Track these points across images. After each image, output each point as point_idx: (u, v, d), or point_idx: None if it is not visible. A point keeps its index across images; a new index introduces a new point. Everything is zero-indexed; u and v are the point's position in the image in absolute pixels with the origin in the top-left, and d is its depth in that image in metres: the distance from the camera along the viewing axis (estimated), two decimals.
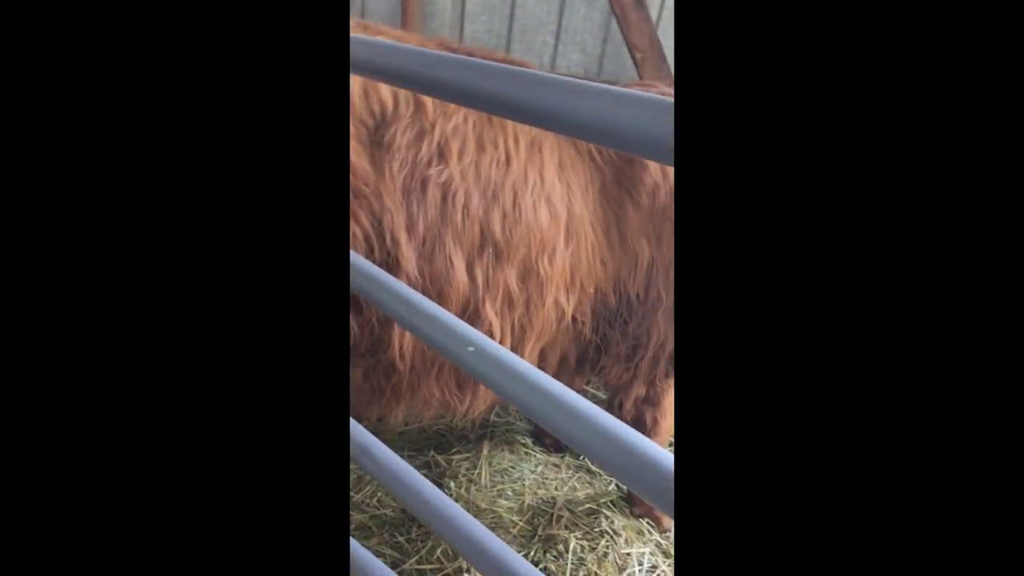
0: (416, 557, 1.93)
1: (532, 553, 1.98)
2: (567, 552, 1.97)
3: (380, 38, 0.97)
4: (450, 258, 1.28)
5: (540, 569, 1.95)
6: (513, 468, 2.31)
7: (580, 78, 1.53)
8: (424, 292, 1.29)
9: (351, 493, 2.14)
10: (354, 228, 1.20)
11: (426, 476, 2.25)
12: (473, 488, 2.21)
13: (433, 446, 2.37)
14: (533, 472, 2.31)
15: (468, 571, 1.88)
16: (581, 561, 1.95)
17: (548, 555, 1.97)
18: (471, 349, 0.72)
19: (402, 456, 2.35)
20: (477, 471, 2.27)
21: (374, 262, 1.25)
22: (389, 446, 2.46)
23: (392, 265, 1.25)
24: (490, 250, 1.32)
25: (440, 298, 1.30)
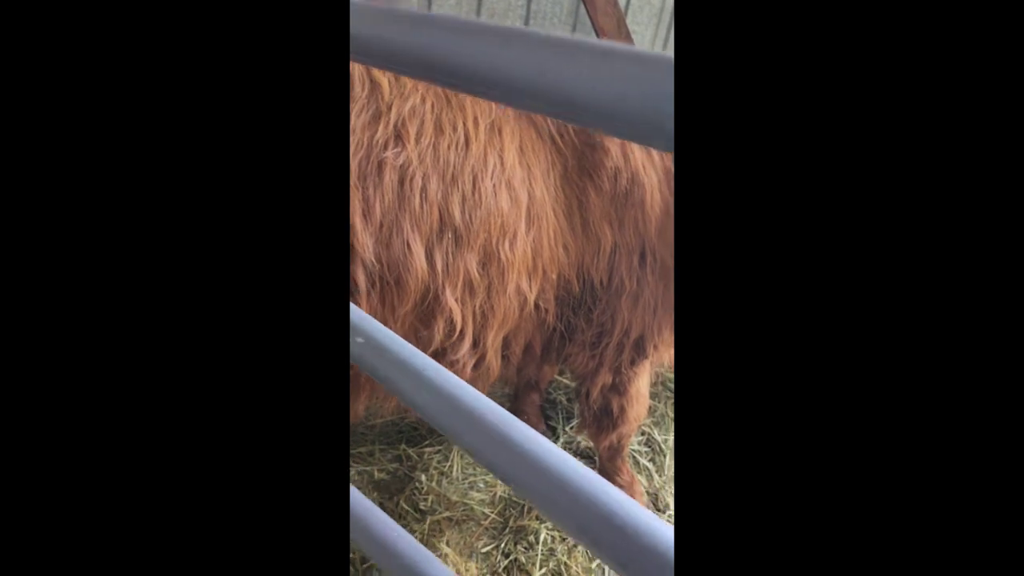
0: None
1: (503, 544, 1.96)
2: (537, 543, 1.96)
3: None
4: (408, 244, 1.24)
5: (511, 561, 1.94)
6: None
7: None
8: (381, 279, 1.25)
9: None
10: None
11: (397, 470, 2.23)
12: (445, 481, 2.19)
13: (405, 439, 2.34)
14: None
15: None
16: (551, 552, 1.94)
17: (519, 546, 1.96)
18: (360, 340, 0.64)
19: (373, 449, 2.32)
20: (449, 464, 2.25)
21: None
22: (361, 439, 2.42)
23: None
24: (449, 235, 1.29)
25: (398, 285, 1.26)
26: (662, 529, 0.48)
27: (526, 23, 2.95)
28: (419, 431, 2.41)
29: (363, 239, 1.21)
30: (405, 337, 1.34)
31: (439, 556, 1.89)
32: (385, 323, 1.30)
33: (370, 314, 1.26)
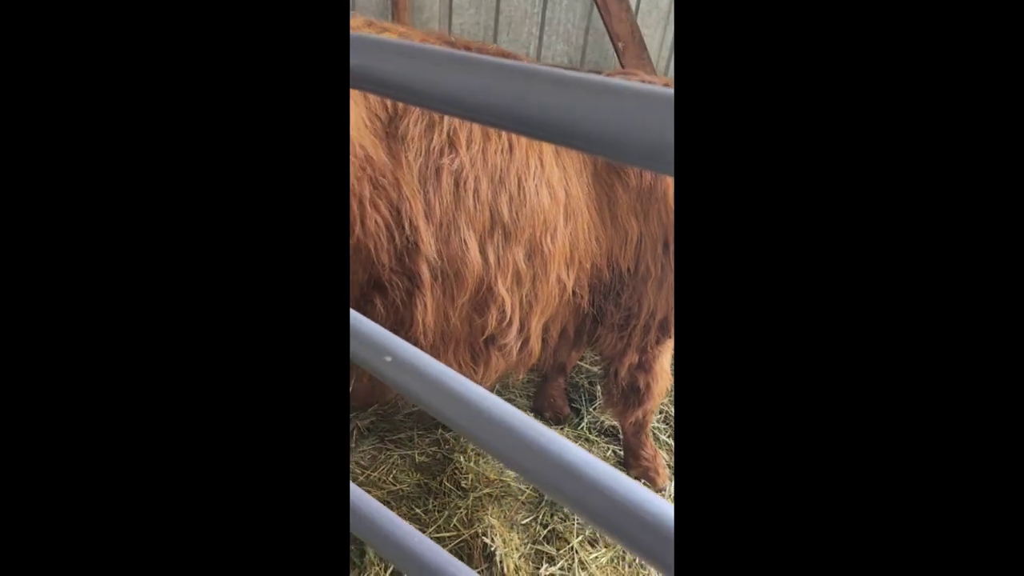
0: (434, 527, 2.06)
1: (541, 516, 2.12)
2: (572, 514, 2.12)
3: (386, 35, 1.02)
4: (464, 240, 1.39)
5: (549, 531, 2.11)
6: None
7: (565, 68, 1.64)
8: (443, 273, 1.41)
9: (368, 472, 2.26)
10: (375, 217, 1.32)
11: (436, 452, 2.39)
12: (482, 460, 2.34)
13: (442, 424, 2.50)
14: None
15: (485, 534, 2.02)
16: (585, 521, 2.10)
17: (555, 517, 2.12)
18: (388, 359, 0.65)
19: (412, 435, 2.48)
20: None
21: (395, 248, 1.36)
22: (400, 426, 2.58)
23: (412, 250, 1.36)
24: (499, 232, 1.44)
25: (457, 278, 1.42)
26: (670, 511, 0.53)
27: (541, 30, 3.10)
28: None
29: (426, 238, 1.36)
30: (461, 324, 1.50)
31: (485, 528, 2.06)
32: (446, 313, 1.45)
33: (433, 305, 1.42)
